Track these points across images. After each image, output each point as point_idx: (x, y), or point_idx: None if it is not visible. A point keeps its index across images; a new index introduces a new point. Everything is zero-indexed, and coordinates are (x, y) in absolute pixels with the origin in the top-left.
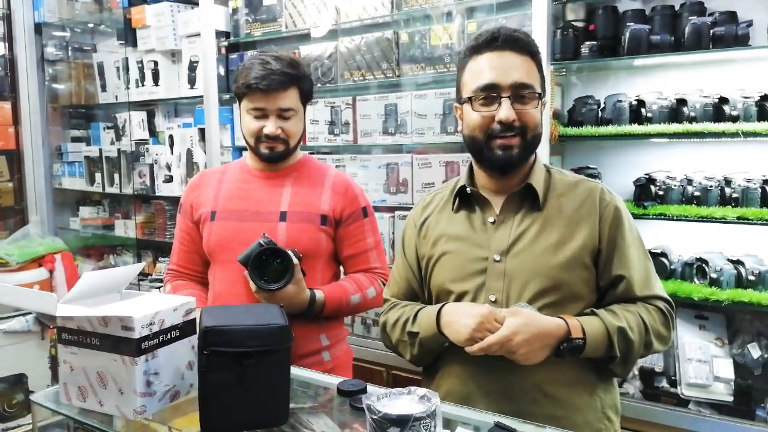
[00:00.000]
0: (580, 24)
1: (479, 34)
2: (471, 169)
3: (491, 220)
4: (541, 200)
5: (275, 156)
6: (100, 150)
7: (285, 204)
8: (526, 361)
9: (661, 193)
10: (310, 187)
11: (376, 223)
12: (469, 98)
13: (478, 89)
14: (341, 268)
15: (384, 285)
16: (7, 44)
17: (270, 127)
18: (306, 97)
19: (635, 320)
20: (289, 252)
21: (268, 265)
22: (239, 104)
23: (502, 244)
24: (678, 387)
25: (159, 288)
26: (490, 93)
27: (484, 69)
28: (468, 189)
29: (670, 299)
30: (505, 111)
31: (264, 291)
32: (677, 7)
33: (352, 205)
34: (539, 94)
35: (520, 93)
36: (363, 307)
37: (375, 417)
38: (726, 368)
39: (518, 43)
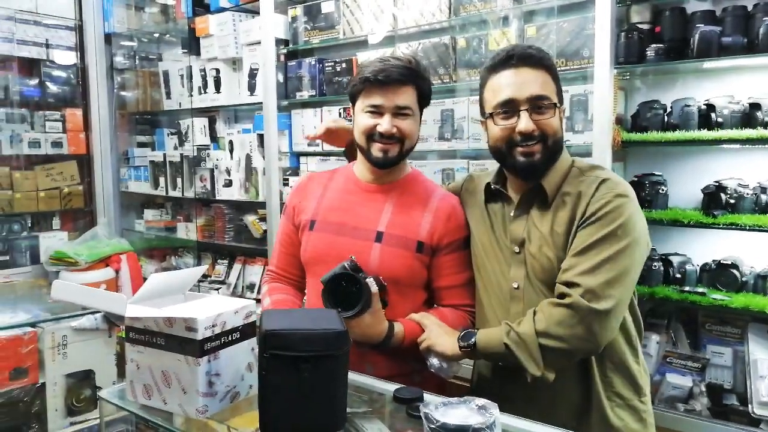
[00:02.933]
0: (645, 26)
1: (496, 54)
2: (501, 169)
3: (512, 213)
4: (550, 198)
5: (388, 161)
6: (164, 155)
7: (383, 224)
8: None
9: (732, 201)
10: (411, 208)
11: None
12: (491, 114)
13: (498, 105)
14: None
15: (474, 324)
16: (79, 54)
17: (385, 124)
18: (424, 100)
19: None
20: (371, 279)
21: (346, 290)
22: (353, 108)
23: (518, 237)
24: (749, 405)
25: (218, 289)
26: (510, 107)
27: (503, 86)
28: (492, 186)
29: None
30: (524, 122)
31: None
32: (750, 8)
33: (454, 233)
34: (555, 103)
35: (537, 104)
36: None
37: (433, 426)
38: None
39: (532, 59)
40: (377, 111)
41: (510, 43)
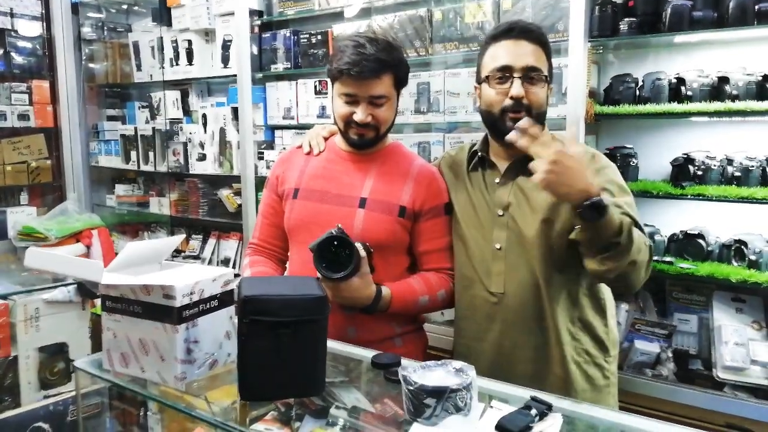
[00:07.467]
0: (618, 0)
1: (499, 24)
2: (486, 138)
3: (497, 180)
4: None
5: (365, 143)
6: (136, 128)
7: (366, 190)
8: (550, 185)
9: (699, 173)
10: (393, 176)
11: None
12: (487, 77)
13: (495, 69)
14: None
15: (453, 286)
16: (45, 24)
17: (360, 114)
18: (400, 83)
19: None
20: (359, 244)
21: (335, 254)
22: (331, 84)
23: (504, 201)
24: (713, 370)
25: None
26: (505, 73)
27: (501, 54)
28: (480, 153)
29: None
30: (516, 88)
31: (327, 280)
32: None
33: (435, 199)
34: (546, 77)
35: (529, 75)
36: (431, 308)
37: (411, 388)
38: (763, 352)
39: (531, 34)
40: (353, 100)
41: (485, 17)
